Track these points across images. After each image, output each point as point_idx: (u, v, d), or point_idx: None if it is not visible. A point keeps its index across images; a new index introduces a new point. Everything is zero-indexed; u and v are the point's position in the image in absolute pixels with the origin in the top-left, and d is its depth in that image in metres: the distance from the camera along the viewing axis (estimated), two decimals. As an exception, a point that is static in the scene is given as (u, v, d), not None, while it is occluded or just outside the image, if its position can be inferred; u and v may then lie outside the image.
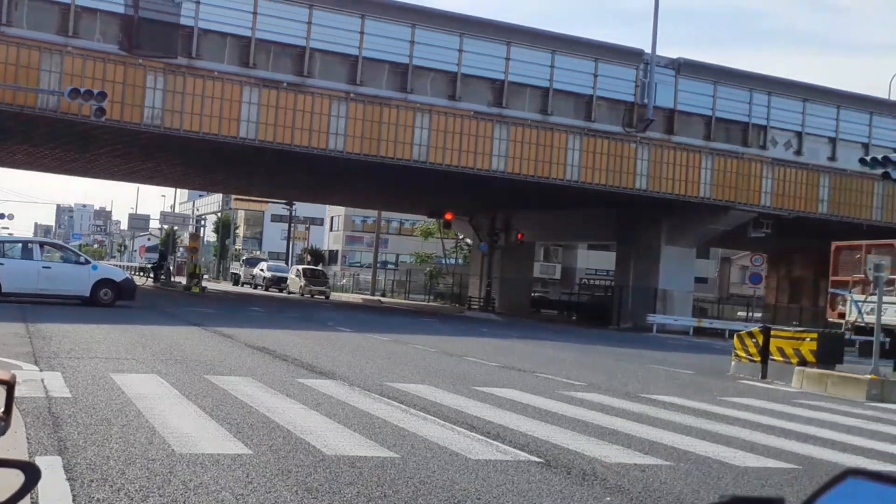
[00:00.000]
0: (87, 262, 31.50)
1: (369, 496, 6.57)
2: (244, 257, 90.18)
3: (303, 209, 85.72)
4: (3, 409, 1.48)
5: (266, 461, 7.49)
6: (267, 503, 6.09)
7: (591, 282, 69.08)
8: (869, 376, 17.90)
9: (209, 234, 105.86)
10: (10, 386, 1.48)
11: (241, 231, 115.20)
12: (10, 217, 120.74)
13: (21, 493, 1.42)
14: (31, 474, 1.41)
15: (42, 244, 32.98)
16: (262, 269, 72.62)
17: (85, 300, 29.35)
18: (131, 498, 6.11)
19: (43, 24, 33.27)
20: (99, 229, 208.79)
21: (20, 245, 31.56)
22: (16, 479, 1.57)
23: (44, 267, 29.40)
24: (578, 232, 58.75)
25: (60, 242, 46.25)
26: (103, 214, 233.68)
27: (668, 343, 36.08)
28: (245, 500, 6.08)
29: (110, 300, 29.56)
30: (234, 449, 7.94)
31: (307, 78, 37.18)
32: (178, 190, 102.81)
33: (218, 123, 35.77)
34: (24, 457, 7.00)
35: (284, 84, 36.90)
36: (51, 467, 6.74)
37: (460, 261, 77.90)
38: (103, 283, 29.92)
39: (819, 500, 1.21)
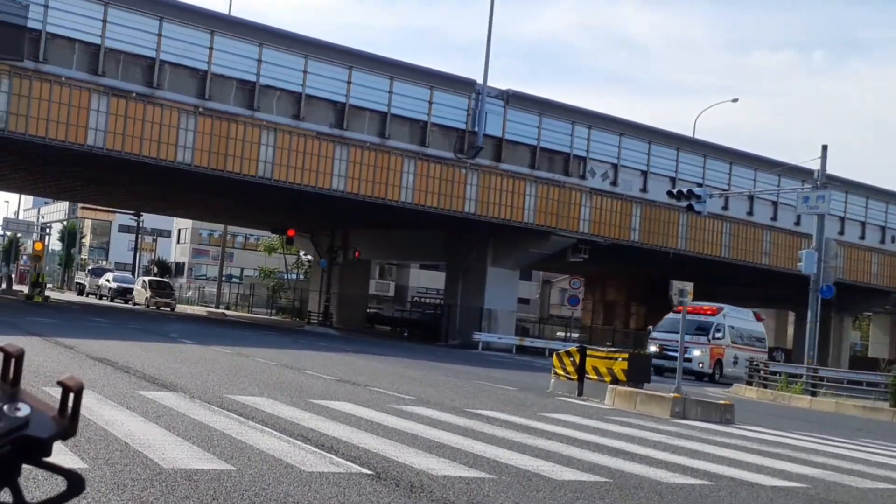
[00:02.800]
0: None
1: (204, 510, 6.35)
2: (90, 267, 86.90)
3: (151, 220, 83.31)
4: (70, 414, 1.41)
5: (102, 475, 7.15)
6: (101, 519, 5.80)
7: (423, 300, 69.40)
8: (672, 395, 18.47)
9: (54, 243, 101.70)
10: (77, 392, 1.41)
11: (87, 240, 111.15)
12: None
13: (57, 500, 1.37)
14: (74, 485, 1.37)
15: None
16: (107, 280, 70.00)
17: None
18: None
19: None
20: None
21: None
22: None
23: None
24: (411, 251, 58.96)
25: None
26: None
27: (493, 360, 36.48)
28: (79, 516, 5.78)
29: None
30: (68, 463, 7.54)
31: (157, 89, 36.14)
32: (23, 196, 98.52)
33: (65, 130, 34.22)
34: None
35: (134, 94, 35.72)
36: None
37: (301, 276, 77.14)
38: None
39: None
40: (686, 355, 31.68)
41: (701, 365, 39.27)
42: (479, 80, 43.98)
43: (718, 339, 40.34)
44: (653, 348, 37.39)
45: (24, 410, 1.41)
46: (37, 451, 1.42)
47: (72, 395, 1.39)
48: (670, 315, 38.80)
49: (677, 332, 32.25)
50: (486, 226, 45.23)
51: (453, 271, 50.02)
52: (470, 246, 47.80)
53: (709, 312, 40.86)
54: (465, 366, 29.16)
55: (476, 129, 43.58)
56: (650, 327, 39.49)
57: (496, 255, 47.10)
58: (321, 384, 17.05)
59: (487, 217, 44.12)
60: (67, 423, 1.38)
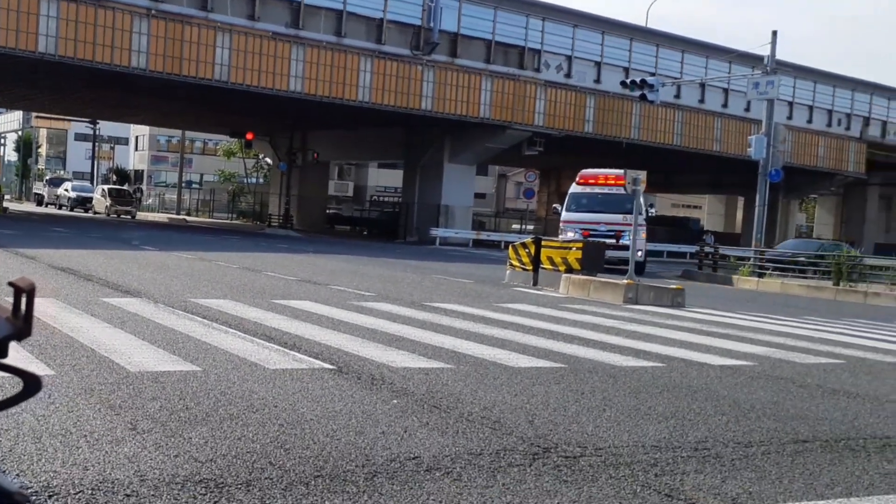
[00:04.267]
0: None
1: (171, 409, 6.44)
2: (48, 177, 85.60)
3: (107, 128, 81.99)
4: (24, 315, 1.42)
5: (69, 381, 7.20)
6: (69, 422, 5.87)
7: (381, 198, 69.43)
8: (625, 281, 18.75)
9: (10, 154, 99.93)
10: (30, 292, 1.41)
11: (43, 150, 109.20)
12: None
13: (13, 400, 1.39)
14: (30, 385, 1.39)
15: None
16: (66, 190, 69.12)
17: None
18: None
19: None
20: None
21: None
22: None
23: None
24: (370, 151, 58.67)
25: None
26: None
27: (450, 254, 36.71)
28: (47, 421, 5.85)
29: None
30: (36, 370, 7.59)
31: (108, -9, 35.20)
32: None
33: (14, 37, 33.33)
34: None
35: (84, -4, 34.76)
36: None
37: (261, 180, 76.61)
38: None
39: None
40: (623, 240, 28.80)
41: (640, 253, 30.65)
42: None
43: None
44: (571, 234, 30.17)
45: None
46: None
47: (24, 296, 1.41)
48: (574, 188, 32.50)
49: (592, 212, 30.63)
50: (443, 122, 45.05)
51: (411, 169, 49.89)
52: (427, 143, 47.63)
53: (620, 182, 33.18)
54: (423, 261, 29.34)
55: (432, 24, 43.02)
56: (556, 206, 33.83)
57: (453, 152, 47.00)
58: (283, 285, 17.12)
59: (444, 113, 43.89)
60: (21, 323, 1.40)
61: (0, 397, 1.39)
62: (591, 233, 29.93)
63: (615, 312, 15.88)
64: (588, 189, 32.06)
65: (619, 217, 30.16)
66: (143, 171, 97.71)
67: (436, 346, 10.23)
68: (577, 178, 32.83)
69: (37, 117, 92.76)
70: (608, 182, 31.58)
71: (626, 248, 25.65)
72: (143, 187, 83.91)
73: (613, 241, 29.27)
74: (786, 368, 10.46)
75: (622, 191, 28.18)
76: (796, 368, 10.52)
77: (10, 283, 1.42)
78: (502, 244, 43.75)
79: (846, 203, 69.83)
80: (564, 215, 31.72)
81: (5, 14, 33.01)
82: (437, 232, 45.36)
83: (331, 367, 8.57)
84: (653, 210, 32.80)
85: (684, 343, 12.06)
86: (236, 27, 38.19)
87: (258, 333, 10.41)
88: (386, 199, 68.11)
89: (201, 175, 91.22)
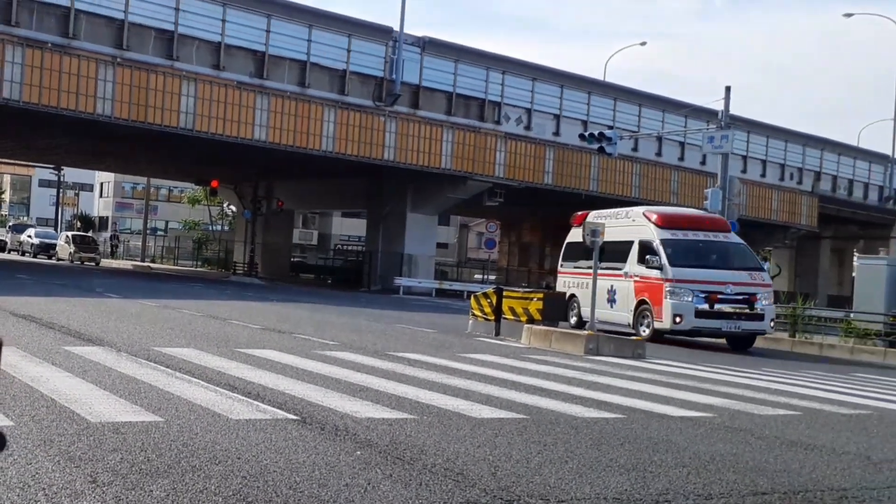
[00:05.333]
0: None
1: (132, 462, 6.30)
2: (10, 223, 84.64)
3: (72, 175, 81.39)
4: None
5: (28, 432, 7.03)
6: (27, 475, 5.72)
7: (345, 247, 69.36)
8: (586, 332, 18.74)
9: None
10: None
11: (6, 196, 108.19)
12: None
13: None
14: None
15: None
16: (29, 236, 68.27)
17: None
18: None
19: None
20: None
21: None
22: None
23: None
24: (334, 200, 58.75)
25: None
26: None
27: (414, 304, 36.62)
28: (4, 474, 5.69)
29: None
30: (-4, 420, 7.43)
31: (73, 39, 35.20)
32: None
33: (-22, 83, 33.24)
34: None
35: (49, 45, 34.66)
36: None
37: (226, 227, 76.27)
38: None
39: None
40: (758, 306, 22.65)
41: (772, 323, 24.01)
42: (397, 28, 43.70)
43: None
44: (689, 299, 22.05)
45: None
46: None
47: None
48: (661, 233, 23.41)
49: (706, 267, 22.79)
50: (405, 172, 45.21)
51: (374, 218, 49.95)
52: (390, 193, 47.75)
53: (722, 227, 25.25)
54: (386, 310, 29.23)
55: (394, 76, 43.40)
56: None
57: (415, 201, 47.13)
58: (247, 333, 16.95)
59: (406, 164, 44.09)
60: None
61: None
62: (719, 297, 22.18)
63: (576, 363, 15.86)
64: (682, 235, 23.59)
65: (744, 275, 22.99)
66: (107, 217, 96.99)
67: (399, 396, 10.14)
68: (653, 218, 23.86)
69: (0, 163, 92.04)
70: (708, 225, 24.51)
71: (759, 317, 22.32)
72: (118, 234, 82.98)
73: (745, 307, 22.47)
74: (745, 420, 10.46)
75: (731, 238, 24.39)
76: (755, 420, 10.53)
77: None
78: (465, 294, 43.75)
79: (799, 256, 70.67)
80: (673, 272, 22.33)
81: (-32, 61, 32.90)
82: (401, 281, 45.31)
83: (294, 417, 8.46)
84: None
85: (645, 394, 12.04)
86: (201, 76, 38.24)
87: (222, 383, 10.27)
88: (350, 247, 68.05)
89: (166, 222, 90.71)
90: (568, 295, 25.60)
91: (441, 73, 45.61)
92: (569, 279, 26.32)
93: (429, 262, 48.61)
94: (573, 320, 25.17)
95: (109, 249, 73.70)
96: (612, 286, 23.73)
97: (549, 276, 56.34)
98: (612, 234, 21.51)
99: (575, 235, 25.45)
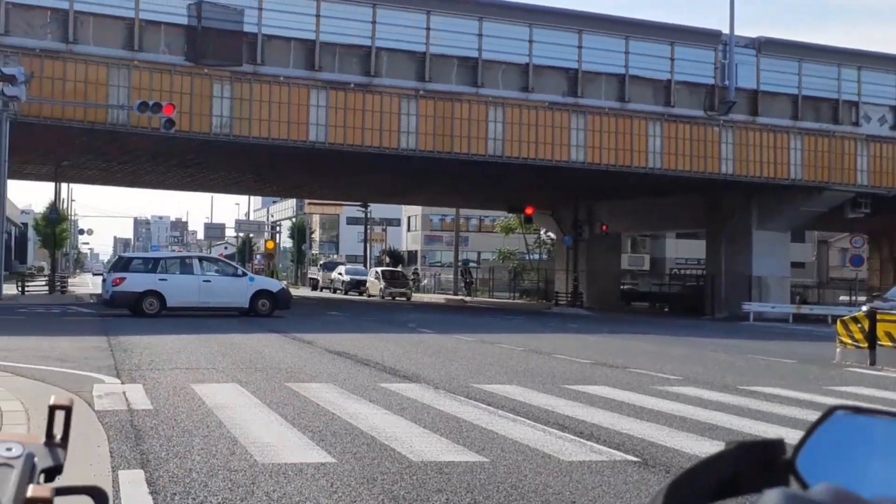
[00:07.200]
0: (244, 274, 33.16)
1: (458, 503, 6.45)
2: (321, 262, 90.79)
3: (378, 210, 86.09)
4: (60, 436, 1.40)
5: (350, 469, 7.41)
6: (352, 513, 6.00)
7: (682, 271, 68.48)
8: None
9: (285, 240, 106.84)
10: (68, 411, 1.40)
11: (316, 235, 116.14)
12: (90, 232, 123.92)
13: None
14: (99, 498, 1.36)
15: (200, 259, 34.53)
16: (340, 273, 73.05)
17: (244, 311, 30.89)
18: (213, 512, 6.07)
19: (109, 40, 34.03)
20: (176, 240, 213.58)
21: (179, 261, 33.53)
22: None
23: (204, 281, 30.90)
24: (665, 220, 58.18)
25: (217, 257, 47.55)
26: (179, 225, 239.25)
27: (767, 331, 35.43)
28: (330, 512, 6.00)
29: (268, 310, 31.11)
30: (317, 458, 7.88)
31: (374, 77, 37.39)
32: (252, 197, 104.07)
33: (287, 128, 36.25)
34: (108, 471, 7.06)
35: (352, 85, 37.18)
36: (133, 481, 6.82)
37: (544, 256, 77.54)
38: (261, 293, 31.59)
39: (811, 437, 1.29)
40: None
41: None
42: (725, 31, 42.96)
43: None
44: None
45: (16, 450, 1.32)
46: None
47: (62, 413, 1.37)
48: None
49: None
50: (746, 186, 44.23)
51: (714, 238, 49.01)
52: (731, 209, 46.76)
53: None
54: (734, 339, 28.48)
55: (726, 82, 42.60)
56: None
57: (761, 217, 45.83)
58: (575, 368, 17.05)
59: (747, 176, 43.15)
60: (59, 444, 1.36)
61: None
62: None
63: (975, 397, 14.66)
64: None
65: None
66: (416, 251, 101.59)
67: (757, 435, 9.77)
68: None
69: (309, 203, 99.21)
70: None
71: None
72: (419, 269, 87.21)
73: None
74: None
75: None
76: None
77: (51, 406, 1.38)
78: (829, 319, 41.81)
79: None
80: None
81: (277, 107, 36.02)
82: (750, 306, 44.11)
83: (635, 458, 8.36)
84: None
85: None
86: (509, 100, 39.32)
87: (549, 421, 10.35)
88: (687, 271, 67.11)
89: (478, 253, 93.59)
90: None
91: (782, 74, 44.27)
92: None
93: (782, 284, 47.02)
94: None
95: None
96: None
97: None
98: None
99: None
